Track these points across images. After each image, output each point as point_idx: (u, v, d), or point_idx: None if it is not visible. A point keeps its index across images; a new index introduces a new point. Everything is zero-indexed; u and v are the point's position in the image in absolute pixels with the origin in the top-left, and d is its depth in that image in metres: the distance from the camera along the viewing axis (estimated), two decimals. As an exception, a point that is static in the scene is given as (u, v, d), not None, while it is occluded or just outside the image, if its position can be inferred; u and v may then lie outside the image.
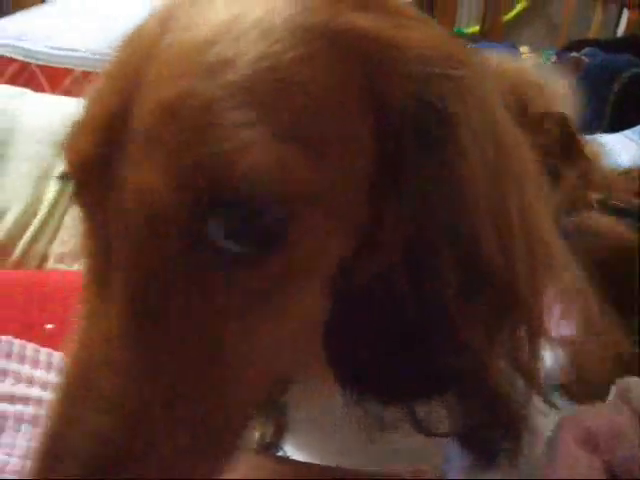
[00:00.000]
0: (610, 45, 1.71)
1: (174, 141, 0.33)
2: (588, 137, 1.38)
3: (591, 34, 3.17)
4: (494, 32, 3.22)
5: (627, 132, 1.44)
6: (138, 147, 0.34)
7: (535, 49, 1.63)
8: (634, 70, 1.59)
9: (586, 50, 1.66)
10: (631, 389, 0.54)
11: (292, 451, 0.75)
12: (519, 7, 3.36)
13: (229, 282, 0.36)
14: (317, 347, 0.42)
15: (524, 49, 1.63)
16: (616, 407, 0.56)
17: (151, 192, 0.33)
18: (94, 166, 0.37)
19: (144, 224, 0.34)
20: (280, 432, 0.77)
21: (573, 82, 1.51)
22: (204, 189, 0.33)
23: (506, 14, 3.33)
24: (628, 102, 1.53)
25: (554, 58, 1.60)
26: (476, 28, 3.30)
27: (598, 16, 3.19)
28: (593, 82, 1.53)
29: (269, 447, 0.75)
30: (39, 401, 0.71)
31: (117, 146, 0.35)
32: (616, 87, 1.55)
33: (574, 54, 1.61)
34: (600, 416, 0.55)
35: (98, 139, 0.36)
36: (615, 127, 1.47)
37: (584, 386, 0.64)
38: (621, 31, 3.25)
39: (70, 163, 0.39)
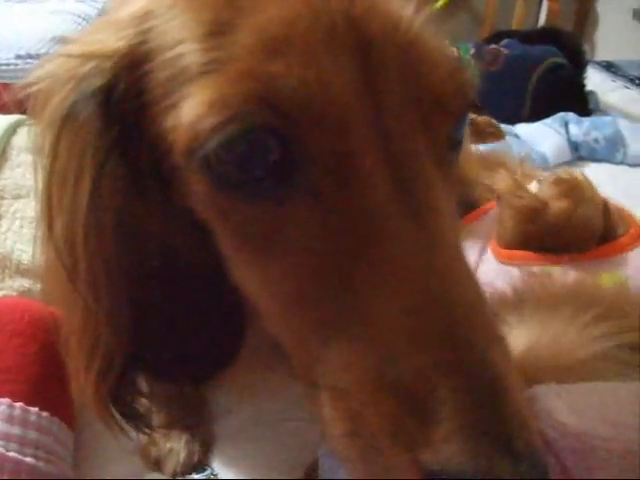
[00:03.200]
0: (528, 36, 1.74)
1: None
2: (509, 127, 1.40)
3: (514, 25, 3.23)
4: (420, 24, 3.25)
5: (547, 121, 1.46)
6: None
7: (454, 42, 1.63)
8: (552, 60, 1.61)
9: (505, 42, 1.68)
10: (538, 398, 0.51)
11: (221, 468, 0.73)
12: (443, -1, 3.40)
13: None
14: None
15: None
16: None
17: None
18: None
19: None
20: (207, 449, 0.75)
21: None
22: None
23: (431, 6, 3.36)
24: (547, 92, 1.55)
25: (473, 51, 1.61)
26: (402, 20, 3.32)
27: (520, 7, 3.26)
28: (512, 73, 1.56)
29: (196, 467, 0.73)
30: None
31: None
32: (535, 78, 1.57)
33: (493, 46, 1.63)
34: None
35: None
36: (535, 117, 1.49)
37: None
38: (542, 21, 3.33)
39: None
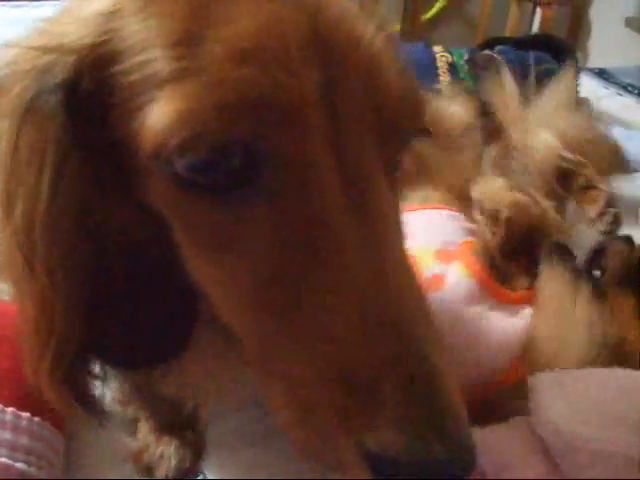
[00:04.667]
0: (522, 43, 1.74)
1: None
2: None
3: (508, 31, 3.25)
4: (414, 31, 3.27)
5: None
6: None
7: (448, 48, 1.64)
8: (545, 66, 1.62)
9: (498, 48, 1.69)
10: (537, 390, 0.51)
11: (213, 474, 0.73)
12: (437, 6, 3.41)
13: None
14: None
15: (438, 48, 1.63)
16: (512, 428, 0.54)
17: None
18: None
19: None
20: (199, 455, 0.75)
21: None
22: None
23: (425, 13, 3.38)
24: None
25: (467, 56, 1.61)
26: (397, 27, 3.33)
27: (514, 14, 3.29)
28: (506, 79, 1.56)
29: (188, 473, 0.73)
30: None
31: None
32: (529, 83, 1.58)
33: (487, 52, 1.63)
34: (486, 444, 0.52)
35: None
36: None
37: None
38: (536, 28, 3.35)
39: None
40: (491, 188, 0.92)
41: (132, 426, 0.76)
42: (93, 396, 0.48)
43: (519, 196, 0.89)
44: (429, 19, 3.42)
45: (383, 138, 0.38)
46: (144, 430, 0.75)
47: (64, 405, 0.46)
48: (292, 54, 0.35)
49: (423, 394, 0.33)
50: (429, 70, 1.57)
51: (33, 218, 0.39)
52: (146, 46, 0.36)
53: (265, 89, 0.34)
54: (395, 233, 0.39)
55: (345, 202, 0.36)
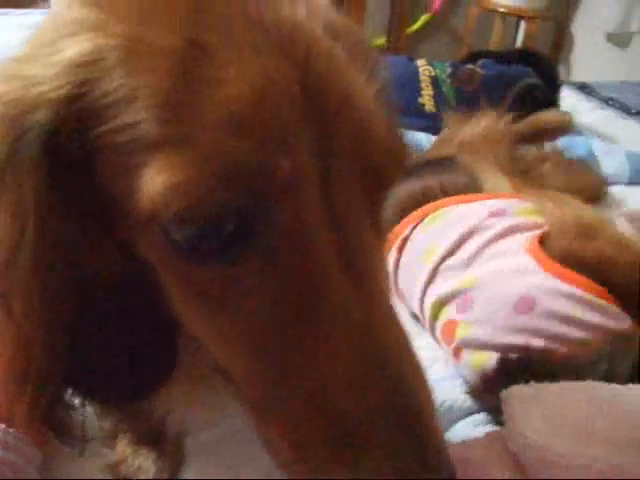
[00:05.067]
0: (505, 57, 1.77)
1: None
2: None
3: (492, 45, 3.29)
4: (400, 44, 3.30)
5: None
6: None
7: (431, 62, 1.65)
8: (527, 81, 1.64)
9: (481, 62, 1.71)
10: (513, 403, 0.52)
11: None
12: (422, 19, 3.45)
13: None
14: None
15: (421, 62, 1.65)
16: (487, 442, 0.54)
17: None
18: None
19: None
20: (177, 467, 0.75)
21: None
22: None
23: (410, 26, 3.41)
24: (522, 112, 1.58)
25: (449, 70, 1.63)
26: (383, 40, 3.36)
27: (498, 28, 3.32)
28: (488, 93, 1.57)
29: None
30: None
31: None
32: (510, 97, 1.59)
33: (469, 66, 1.65)
34: (463, 459, 0.53)
35: None
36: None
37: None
38: (520, 42, 3.39)
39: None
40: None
41: (110, 438, 0.75)
42: (72, 429, 0.48)
43: None
44: (414, 32, 3.46)
45: (371, 190, 0.39)
46: (122, 442, 0.75)
47: (43, 442, 0.46)
48: (286, 120, 0.35)
49: (411, 435, 0.36)
50: (412, 83, 1.59)
51: (14, 262, 0.38)
52: (131, 104, 0.34)
53: (261, 160, 0.34)
54: (382, 285, 0.40)
55: (338, 262, 0.37)
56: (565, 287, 0.77)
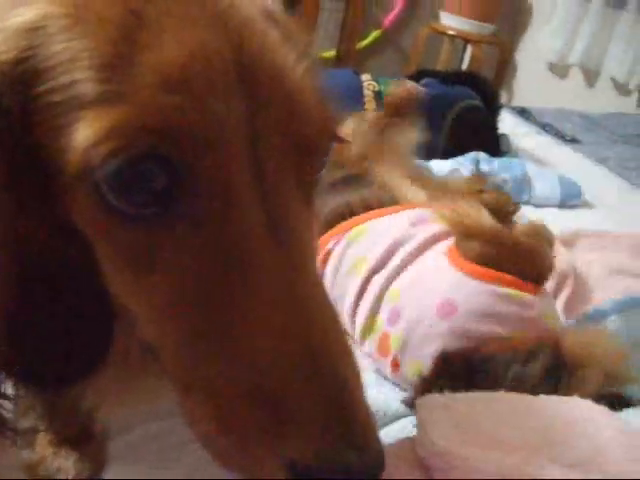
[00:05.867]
0: (448, 78, 1.81)
1: None
2: (423, 163, 1.45)
3: (439, 66, 3.37)
4: (349, 58, 3.33)
5: (459, 159, 1.52)
6: None
7: (376, 77, 1.68)
8: (467, 102, 1.69)
9: (424, 81, 1.74)
10: (422, 410, 0.53)
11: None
12: (373, 35, 3.50)
13: None
14: None
15: (366, 77, 1.67)
16: (398, 447, 0.55)
17: None
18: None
19: None
20: (99, 469, 0.73)
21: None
22: None
23: (360, 41, 3.46)
24: (461, 131, 1.62)
25: (393, 87, 1.66)
26: (332, 52, 3.39)
27: (446, 50, 3.41)
28: (429, 112, 1.60)
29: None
30: None
31: None
32: (450, 117, 1.64)
33: (412, 84, 1.68)
34: None
35: None
36: (449, 154, 1.55)
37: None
38: (466, 64, 3.49)
39: None
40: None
41: (29, 437, 0.73)
42: (6, 419, 0.47)
43: None
44: (364, 48, 3.50)
45: (301, 161, 0.40)
46: (42, 442, 0.73)
47: None
48: (217, 83, 0.36)
49: (336, 408, 0.35)
50: (355, 97, 1.61)
51: None
52: (71, 67, 0.36)
53: (190, 117, 0.35)
54: (309, 254, 0.40)
55: (264, 226, 0.37)
56: (483, 285, 0.81)
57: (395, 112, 1.30)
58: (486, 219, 0.86)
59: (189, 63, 0.36)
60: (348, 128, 1.17)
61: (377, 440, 0.37)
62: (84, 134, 0.35)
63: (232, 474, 0.39)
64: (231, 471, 0.39)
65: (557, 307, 0.98)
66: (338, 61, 3.32)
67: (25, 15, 0.38)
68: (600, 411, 0.61)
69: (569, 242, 1.25)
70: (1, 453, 0.69)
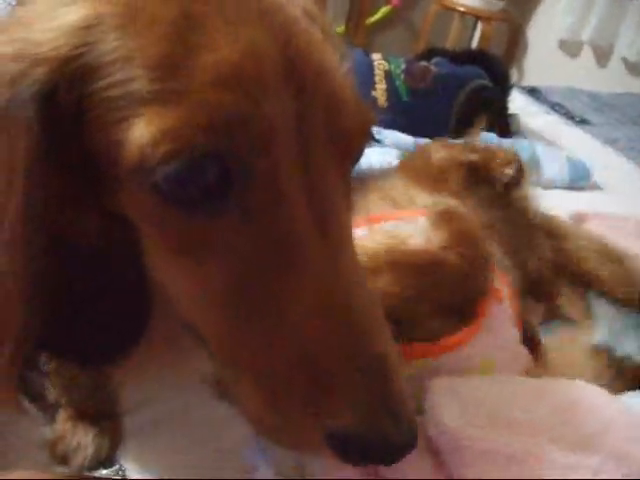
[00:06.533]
0: (458, 57, 1.80)
1: None
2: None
3: (449, 42, 3.34)
4: (358, 33, 3.31)
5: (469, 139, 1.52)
6: None
7: (386, 57, 1.67)
8: (478, 81, 1.68)
9: (435, 60, 1.74)
10: (432, 393, 0.54)
11: (130, 464, 0.73)
12: (382, 11, 3.47)
13: None
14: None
15: (376, 56, 1.66)
16: None
17: None
18: None
19: None
20: (116, 444, 0.75)
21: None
22: None
23: (370, 17, 3.43)
24: (471, 111, 1.61)
25: (403, 66, 1.65)
26: (341, 29, 3.37)
27: (456, 26, 3.38)
28: (439, 91, 1.61)
29: (104, 462, 0.73)
30: None
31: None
32: (461, 97, 1.63)
33: (423, 63, 1.68)
34: None
35: None
36: (459, 134, 1.55)
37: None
38: (476, 41, 3.45)
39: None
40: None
41: (50, 414, 0.75)
42: (44, 394, 0.49)
43: None
44: (373, 23, 3.48)
45: (342, 156, 0.43)
46: (62, 418, 0.75)
47: (16, 402, 0.46)
48: (268, 81, 0.38)
49: (374, 381, 0.38)
50: (366, 77, 1.60)
51: (2, 216, 0.39)
52: (126, 64, 0.37)
53: (244, 113, 0.37)
54: (349, 241, 0.43)
55: (310, 217, 0.40)
56: None
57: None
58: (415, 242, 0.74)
59: (242, 62, 0.37)
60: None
61: (411, 411, 0.40)
62: (141, 133, 0.37)
63: (278, 448, 0.42)
64: (277, 445, 0.42)
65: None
66: (347, 37, 3.30)
67: (75, 13, 0.39)
68: (601, 393, 0.63)
69: (576, 223, 1.26)
70: (22, 430, 0.71)
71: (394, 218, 0.85)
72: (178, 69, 0.37)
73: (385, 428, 0.38)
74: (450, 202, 0.81)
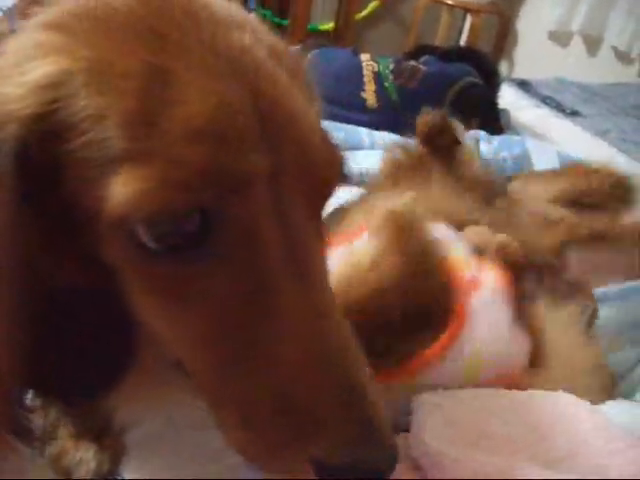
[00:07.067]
0: (447, 54, 1.80)
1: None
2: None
3: (438, 36, 3.34)
4: (348, 29, 3.31)
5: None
6: None
7: (375, 57, 1.67)
8: (467, 79, 1.68)
9: (423, 59, 1.74)
10: (416, 410, 0.54)
11: (131, 477, 0.74)
12: (371, 6, 3.47)
13: None
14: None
15: (365, 57, 1.66)
16: None
17: None
18: None
19: None
20: (117, 459, 0.76)
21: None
22: None
23: (359, 13, 3.43)
24: (461, 109, 1.61)
25: (392, 66, 1.65)
26: (330, 25, 3.37)
27: (445, 20, 3.37)
28: (429, 90, 1.61)
29: (106, 476, 0.74)
30: None
31: None
32: (450, 95, 1.63)
33: (412, 62, 1.68)
34: None
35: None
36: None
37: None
38: (465, 34, 3.46)
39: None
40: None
41: (52, 431, 0.76)
42: (32, 430, 0.49)
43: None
44: (362, 19, 3.47)
45: (314, 198, 0.44)
46: (63, 435, 0.76)
47: (5, 442, 0.47)
48: (241, 132, 0.38)
49: (355, 412, 0.40)
50: (355, 78, 1.61)
51: None
52: (98, 123, 0.37)
53: (219, 165, 0.38)
54: (324, 279, 0.44)
55: (285, 259, 0.41)
56: None
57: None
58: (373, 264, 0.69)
59: (215, 115, 0.38)
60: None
61: (392, 437, 0.41)
62: (119, 192, 0.37)
63: (261, 472, 0.44)
64: (263, 471, 0.44)
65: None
66: (336, 32, 3.29)
67: (40, 69, 0.39)
68: (583, 405, 0.64)
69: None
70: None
71: (347, 239, 0.79)
72: (150, 125, 0.37)
73: (368, 456, 0.39)
74: (400, 199, 0.74)
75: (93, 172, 0.38)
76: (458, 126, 1.15)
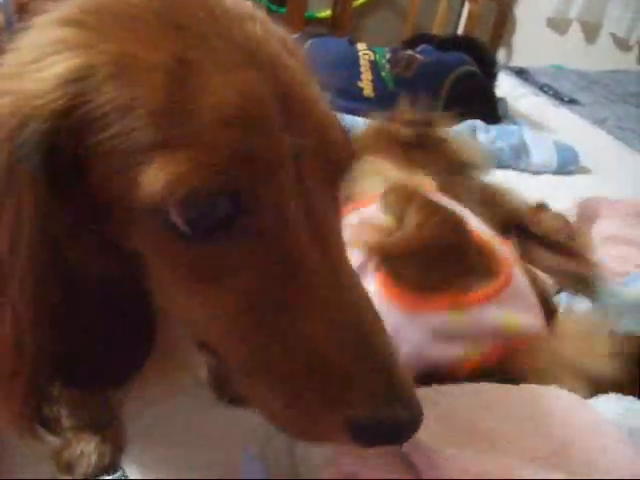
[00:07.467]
0: (444, 43, 1.80)
1: None
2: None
3: (436, 24, 3.32)
4: (344, 17, 3.29)
5: (456, 128, 1.51)
6: None
7: (371, 47, 1.66)
8: (464, 68, 1.68)
9: (420, 48, 1.73)
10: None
11: (133, 470, 0.74)
12: (369, -7, 3.45)
13: None
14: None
15: (361, 46, 1.65)
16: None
17: None
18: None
19: None
20: (119, 451, 0.76)
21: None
22: None
23: (356, 0, 3.40)
24: (458, 98, 1.61)
25: (389, 55, 1.65)
26: (328, 12, 3.35)
27: (443, 7, 3.36)
28: (425, 80, 1.60)
29: (108, 469, 0.75)
30: None
31: None
32: (447, 84, 1.63)
33: (409, 52, 1.67)
34: (361, 461, 0.57)
35: None
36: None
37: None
38: (463, 22, 3.44)
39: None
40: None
41: (54, 424, 0.76)
42: (57, 420, 0.51)
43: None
44: (360, 6, 3.45)
45: (331, 174, 0.47)
46: (65, 427, 0.76)
47: (33, 432, 0.49)
48: (266, 118, 0.41)
49: (383, 375, 0.42)
50: (352, 67, 1.60)
51: (14, 257, 0.41)
52: (126, 115, 0.39)
53: (249, 149, 0.40)
54: (344, 251, 0.47)
55: (309, 235, 0.43)
56: (417, 321, 0.75)
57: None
58: (407, 224, 0.81)
59: (242, 102, 0.40)
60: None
61: (415, 396, 0.44)
62: (155, 178, 0.39)
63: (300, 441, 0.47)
64: (299, 439, 0.47)
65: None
66: (334, 20, 3.27)
67: (62, 64, 0.40)
68: (574, 401, 0.65)
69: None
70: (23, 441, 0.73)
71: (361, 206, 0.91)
72: (181, 114, 0.39)
73: (397, 412, 0.42)
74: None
75: (122, 161, 0.39)
76: (444, 121, 1.18)
